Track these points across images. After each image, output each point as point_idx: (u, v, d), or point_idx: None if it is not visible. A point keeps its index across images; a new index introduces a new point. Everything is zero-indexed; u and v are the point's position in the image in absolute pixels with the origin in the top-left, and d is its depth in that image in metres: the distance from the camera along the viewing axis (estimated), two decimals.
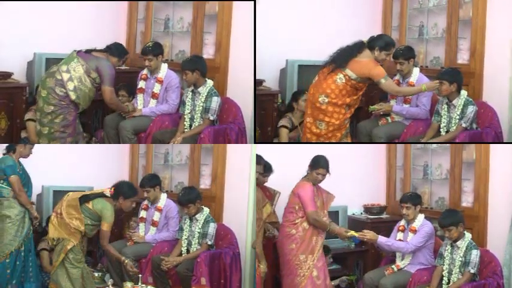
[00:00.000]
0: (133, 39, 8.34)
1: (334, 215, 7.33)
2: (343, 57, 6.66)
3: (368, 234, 6.58)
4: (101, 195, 6.50)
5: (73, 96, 6.80)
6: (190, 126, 7.24)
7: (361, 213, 7.92)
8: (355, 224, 7.65)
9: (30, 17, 7.67)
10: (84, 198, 6.47)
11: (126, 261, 6.71)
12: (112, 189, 6.51)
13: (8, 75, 7.46)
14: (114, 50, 7.03)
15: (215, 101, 7.19)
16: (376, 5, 8.30)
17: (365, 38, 6.71)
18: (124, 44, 8.04)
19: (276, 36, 7.71)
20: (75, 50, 6.96)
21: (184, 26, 7.97)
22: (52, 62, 7.29)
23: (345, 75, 6.64)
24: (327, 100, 6.68)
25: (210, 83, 7.23)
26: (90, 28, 7.95)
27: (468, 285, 6.33)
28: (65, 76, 6.80)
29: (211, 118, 7.20)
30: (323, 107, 6.70)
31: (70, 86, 6.79)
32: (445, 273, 6.49)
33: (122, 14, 8.35)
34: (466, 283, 6.34)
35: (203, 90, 7.19)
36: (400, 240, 6.84)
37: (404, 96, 7.06)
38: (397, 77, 7.26)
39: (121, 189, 6.54)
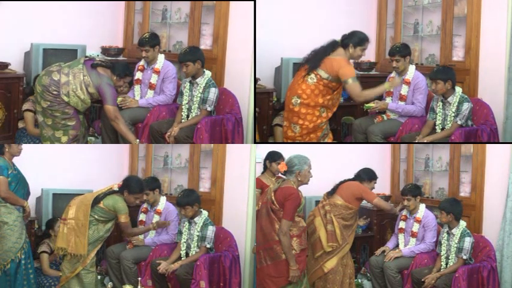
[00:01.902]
0: (130, 30, 7.82)
1: None
2: (316, 58, 6.23)
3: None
4: (110, 192, 6.05)
5: (65, 99, 6.30)
6: (188, 116, 6.77)
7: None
8: (361, 210, 7.33)
9: (28, 7, 7.15)
10: (95, 200, 6.01)
11: (155, 224, 6.33)
12: (119, 184, 6.09)
13: (5, 65, 6.97)
14: (117, 69, 6.46)
15: (213, 92, 6.71)
16: (371, 3, 7.91)
17: (338, 38, 6.30)
18: (121, 35, 7.71)
19: (271, 34, 7.28)
20: (85, 57, 6.47)
21: (182, 16, 7.47)
22: (49, 52, 6.84)
23: (316, 75, 6.20)
24: (299, 101, 6.24)
25: (208, 74, 6.75)
26: (88, 19, 7.44)
27: (464, 268, 6.34)
28: (63, 79, 6.28)
29: (209, 109, 6.73)
30: (296, 109, 6.27)
31: (64, 90, 6.28)
32: (443, 258, 6.51)
33: (120, 5, 7.81)
34: (461, 266, 6.36)
35: (201, 81, 6.70)
36: (402, 228, 6.81)
37: (366, 100, 6.43)
38: (392, 75, 6.88)
39: (128, 184, 6.09)
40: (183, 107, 6.78)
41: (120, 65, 6.59)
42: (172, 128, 6.68)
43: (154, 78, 6.90)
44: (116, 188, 6.08)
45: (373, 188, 6.48)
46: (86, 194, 6.15)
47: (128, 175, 6.21)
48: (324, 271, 6.09)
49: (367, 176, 6.43)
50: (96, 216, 5.99)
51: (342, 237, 6.11)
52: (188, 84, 6.77)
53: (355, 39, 6.25)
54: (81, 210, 5.95)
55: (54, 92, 6.28)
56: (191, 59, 6.61)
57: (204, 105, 6.71)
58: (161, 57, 6.91)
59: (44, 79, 6.31)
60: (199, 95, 6.70)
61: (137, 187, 6.11)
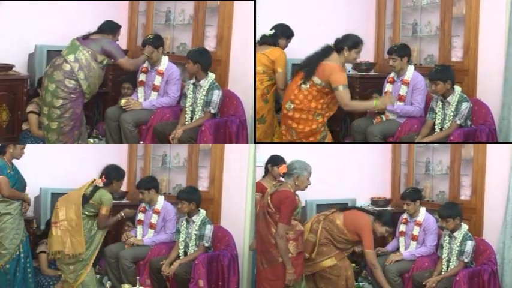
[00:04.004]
0: (134, 32, 7.37)
1: None
2: (310, 65, 5.85)
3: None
4: (96, 188, 5.78)
5: (84, 86, 5.93)
6: (191, 119, 6.34)
7: (369, 205, 7.22)
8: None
9: (31, 8, 6.76)
10: (83, 199, 5.77)
11: (122, 213, 5.98)
12: (103, 178, 5.80)
13: (9, 67, 6.55)
14: (106, 28, 6.16)
15: (216, 94, 6.29)
16: (370, 3, 7.46)
17: (331, 42, 5.91)
18: (125, 37, 7.28)
19: None
20: (74, 39, 6.05)
21: (186, 18, 7.03)
22: (53, 54, 6.41)
23: (309, 81, 5.82)
24: (292, 106, 5.89)
25: (211, 76, 6.33)
26: (91, 20, 6.70)
27: (465, 271, 5.95)
28: (75, 66, 5.91)
29: (212, 111, 6.29)
30: (290, 114, 5.91)
31: (81, 75, 5.92)
32: (444, 261, 6.11)
33: (123, 6, 7.38)
34: (462, 270, 5.97)
35: (204, 83, 6.29)
36: (402, 232, 6.40)
37: (353, 110, 6.18)
38: (392, 75, 6.42)
39: (112, 175, 5.87)
40: (186, 109, 6.36)
41: (105, 24, 6.21)
42: (176, 130, 6.27)
43: (158, 80, 6.47)
44: (100, 184, 5.78)
45: (382, 233, 5.81)
46: (69, 194, 5.84)
47: (105, 167, 5.92)
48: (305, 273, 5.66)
49: (384, 217, 5.77)
50: (86, 213, 5.73)
51: (325, 249, 5.63)
52: (191, 86, 6.36)
53: (349, 42, 5.86)
54: (72, 210, 5.65)
55: (70, 85, 5.91)
56: (192, 58, 6.27)
57: (207, 107, 6.31)
58: (165, 59, 6.49)
59: (56, 74, 5.91)
60: (203, 97, 6.31)
61: (121, 172, 5.96)
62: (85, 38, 6.05)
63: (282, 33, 6.42)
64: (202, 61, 6.27)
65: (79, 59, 5.95)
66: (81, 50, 5.96)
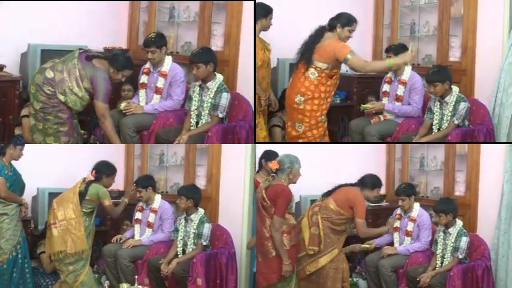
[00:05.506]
0: (135, 30, 7.15)
1: None
2: (308, 50, 5.89)
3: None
4: (89, 183, 5.96)
5: (61, 98, 5.74)
6: (197, 123, 6.13)
7: None
8: None
9: (25, 5, 6.57)
10: (80, 196, 5.93)
11: (126, 200, 6.27)
12: (94, 173, 5.98)
13: None
14: (115, 60, 5.84)
15: (225, 98, 6.08)
16: (368, 3, 7.55)
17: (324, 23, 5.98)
18: (125, 35, 7.13)
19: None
20: (79, 49, 5.86)
21: (191, 15, 6.84)
22: (48, 53, 6.14)
23: (315, 68, 5.88)
24: (303, 99, 5.91)
25: (219, 77, 6.10)
26: (89, 17, 6.83)
27: (458, 267, 6.10)
28: (58, 76, 5.72)
29: (220, 116, 6.09)
30: (301, 107, 5.93)
31: (60, 88, 5.72)
32: (438, 257, 6.26)
33: (124, 2, 7.16)
34: (456, 265, 6.13)
35: (212, 85, 6.06)
36: (396, 227, 6.50)
37: (373, 70, 6.26)
38: (389, 75, 6.55)
39: (102, 170, 6.07)
40: (191, 113, 6.14)
41: (119, 55, 5.93)
42: (180, 136, 6.07)
43: (161, 82, 6.21)
44: (92, 178, 5.99)
45: (376, 196, 5.93)
46: (64, 193, 5.98)
47: (96, 163, 6.08)
48: (306, 273, 5.77)
49: (370, 182, 5.82)
50: (84, 210, 5.88)
51: (328, 241, 5.73)
52: (198, 88, 6.13)
53: (342, 20, 5.91)
54: (70, 209, 5.81)
55: (49, 92, 5.75)
56: (203, 60, 5.98)
57: (215, 111, 6.09)
58: (168, 59, 6.22)
59: (37, 77, 5.77)
60: (210, 100, 6.08)
61: (112, 168, 6.11)
62: (89, 58, 5.79)
63: (259, 14, 6.26)
64: (215, 59, 6.03)
65: (64, 72, 5.74)
66: (73, 64, 5.75)
